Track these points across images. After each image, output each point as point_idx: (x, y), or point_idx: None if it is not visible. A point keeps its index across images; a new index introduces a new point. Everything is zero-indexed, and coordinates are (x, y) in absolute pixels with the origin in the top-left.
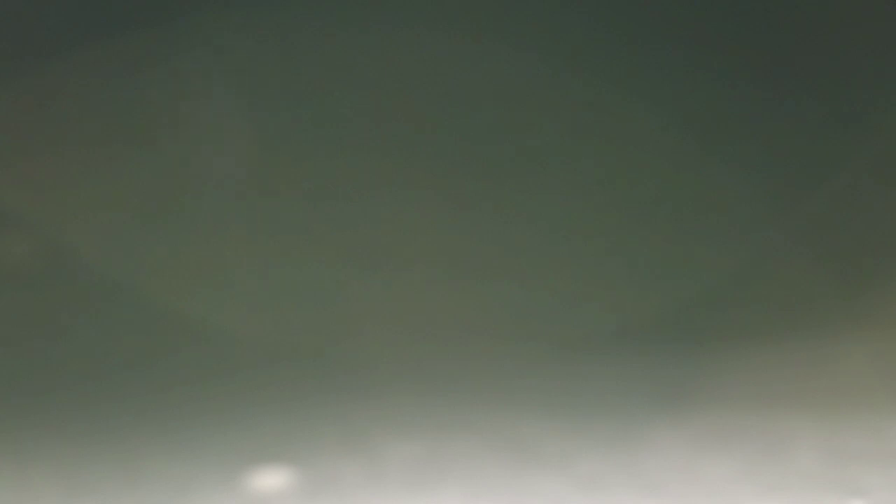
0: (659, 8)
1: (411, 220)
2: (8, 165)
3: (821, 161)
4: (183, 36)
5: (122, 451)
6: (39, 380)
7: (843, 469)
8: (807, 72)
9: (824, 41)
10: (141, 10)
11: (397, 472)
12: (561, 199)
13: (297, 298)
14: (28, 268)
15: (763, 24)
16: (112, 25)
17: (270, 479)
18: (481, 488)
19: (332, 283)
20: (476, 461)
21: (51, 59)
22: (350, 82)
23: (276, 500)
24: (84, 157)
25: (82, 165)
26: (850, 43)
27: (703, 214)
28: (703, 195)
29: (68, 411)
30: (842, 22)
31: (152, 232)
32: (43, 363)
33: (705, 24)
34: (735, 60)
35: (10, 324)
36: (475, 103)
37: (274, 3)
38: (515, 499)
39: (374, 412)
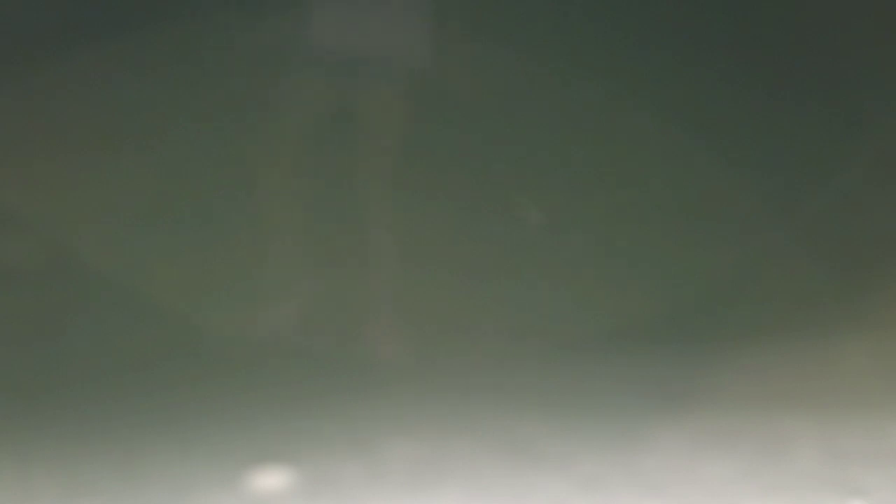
0: (660, 9)
1: (413, 221)
2: (8, 165)
3: (821, 161)
4: (183, 36)
5: (122, 451)
6: (39, 380)
7: (843, 469)
8: (807, 72)
9: (824, 41)
10: (141, 10)
11: (397, 472)
12: (562, 200)
13: (297, 298)
14: (28, 268)
15: (763, 25)
16: (112, 25)
17: (270, 479)
18: (481, 488)
19: (332, 283)
20: (476, 461)
21: (51, 59)
22: (350, 83)
23: (276, 500)
24: (84, 157)
25: (82, 165)
26: (850, 43)
27: (703, 215)
28: (704, 196)
29: (68, 411)
30: (842, 22)
31: (152, 232)
32: (43, 363)
33: (707, 25)
34: (736, 61)
35: (10, 324)
36: (476, 104)
37: (274, 3)
38: (515, 499)
39: (375, 412)
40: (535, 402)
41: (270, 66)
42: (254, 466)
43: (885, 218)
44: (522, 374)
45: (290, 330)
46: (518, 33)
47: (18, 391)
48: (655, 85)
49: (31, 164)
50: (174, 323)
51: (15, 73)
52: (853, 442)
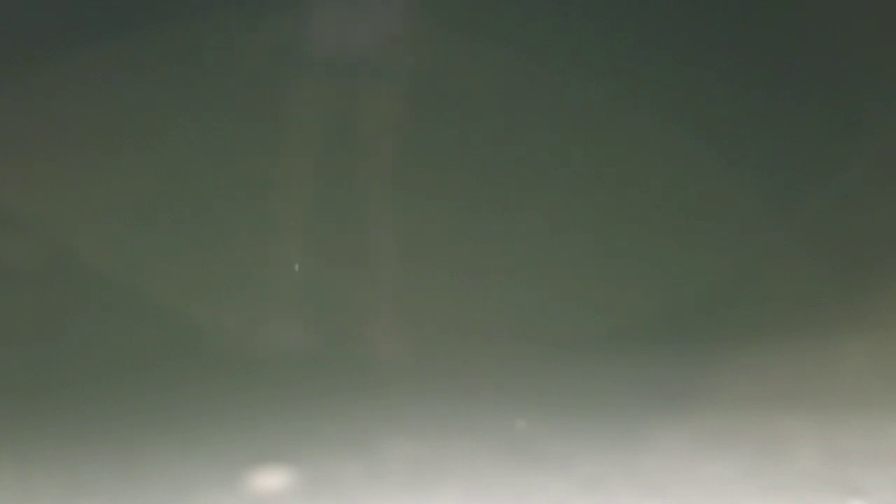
0: (660, 9)
1: (413, 221)
2: (8, 165)
3: (821, 161)
4: (183, 36)
5: (122, 451)
6: (39, 380)
7: (843, 469)
8: (807, 72)
9: (824, 41)
10: (141, 10)
11: (397, 472)
12: (562, 200)
13: (297, 299)
14: (28, 268)
15: (763, 25)
16: (112, 25)
17: (270, 479)
18: (481, 488)
19: (332, 283)
20: (476, 461)
21: (51, 59)
22: (350, 83)
23: (276, 500)
24: (84, 157)
25: (82, 165)
26: (850, 43)
27: (703, 215)
28: (704, 196)
29: (68, 411)
30: (842, 22)
31: (152, 232)
32: (43, 363)
33: (707, 25)
34: (736, 61)
35: (10, 324)
36: (476, 104)
37: (274, 3)
38: (515, 499)
39: (375, 412)
40: (534, 402)
41: (270, 66)
42: (254, 466)
43: (885, 218)
44: (522, 373)
45: (291, 330)
46: (518, 33)
47: (18, 391)
48: (655, 85)
49: (31, 164)
50: (174, 323)
51: (15, 73)
52: (853, 442)
